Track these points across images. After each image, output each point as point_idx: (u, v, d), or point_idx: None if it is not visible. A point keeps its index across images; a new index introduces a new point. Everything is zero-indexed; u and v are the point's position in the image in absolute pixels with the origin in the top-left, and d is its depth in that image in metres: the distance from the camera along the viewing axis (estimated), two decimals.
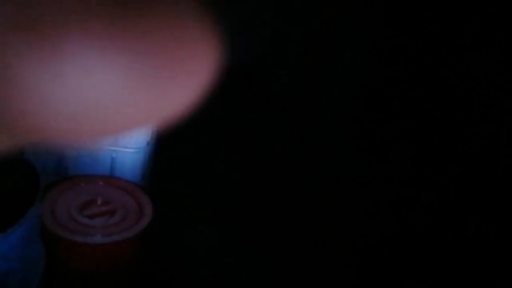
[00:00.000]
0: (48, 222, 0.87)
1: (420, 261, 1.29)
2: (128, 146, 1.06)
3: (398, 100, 1.52)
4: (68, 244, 0.89)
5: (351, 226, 1.32)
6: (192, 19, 0.11)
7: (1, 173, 0.78)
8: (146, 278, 1.11)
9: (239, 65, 1.42)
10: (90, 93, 0.10)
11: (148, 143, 1.10)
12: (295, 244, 1.30)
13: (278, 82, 1.65)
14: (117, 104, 0.10)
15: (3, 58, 0.10)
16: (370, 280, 1.25)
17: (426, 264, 1.29)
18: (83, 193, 0.97)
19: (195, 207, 1.34)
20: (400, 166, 1.44)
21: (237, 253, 1.28)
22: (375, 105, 1.56)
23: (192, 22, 0.11)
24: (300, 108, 1.61)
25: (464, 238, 1.30)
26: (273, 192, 1.41)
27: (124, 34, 0.10)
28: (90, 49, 0.10)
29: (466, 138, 1.41)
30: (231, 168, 1.44)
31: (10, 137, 0.11)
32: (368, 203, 1.37)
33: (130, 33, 0.10)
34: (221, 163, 1.44)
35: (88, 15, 0.10)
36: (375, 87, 1.57)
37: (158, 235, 1.12)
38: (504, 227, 1.30)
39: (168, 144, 1.29)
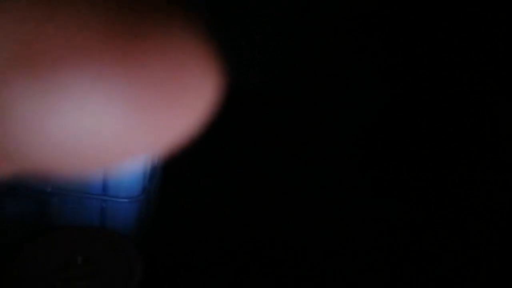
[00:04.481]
0: None
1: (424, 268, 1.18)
2: (120, 195, 0.94)
3: (414, 139, 1.41)
4: None
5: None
6: (194, 47, 0.10)
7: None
8: None
9: (240, 91, 1.30)
10: (87, 124, 0.10)
11: (144, 191, 0.97)
12: None
13: (281, 109, 1.53)
14: (115, 134, 0.10)
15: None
16: None
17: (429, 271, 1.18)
18: (63, 250, 0.84)
19: (202, 263, 1.21)
20: (412, 204, 1.32)
21: None
22: (388, 142, 1.45)
23: (193, 51, 0.10)
24: (304, 139, 1.48)
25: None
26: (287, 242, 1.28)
27: (124, 66, 0.10)
28: (88, 80, 0.10)
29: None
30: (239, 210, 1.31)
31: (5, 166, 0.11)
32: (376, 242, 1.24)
33: (130, 64, 0.10)
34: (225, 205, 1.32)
35: (87, 47, 0.10)
36: (389, 123, 1.46)
37: None
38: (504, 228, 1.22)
39: (170, 189, 1.17)
